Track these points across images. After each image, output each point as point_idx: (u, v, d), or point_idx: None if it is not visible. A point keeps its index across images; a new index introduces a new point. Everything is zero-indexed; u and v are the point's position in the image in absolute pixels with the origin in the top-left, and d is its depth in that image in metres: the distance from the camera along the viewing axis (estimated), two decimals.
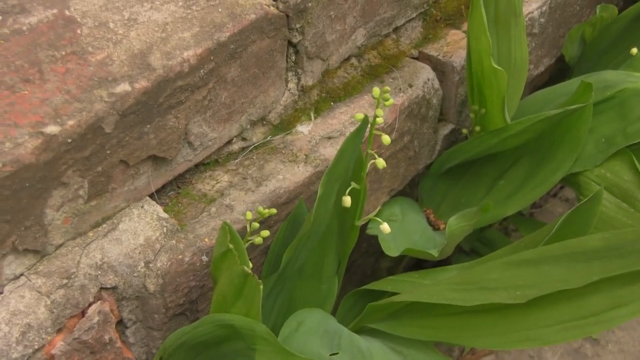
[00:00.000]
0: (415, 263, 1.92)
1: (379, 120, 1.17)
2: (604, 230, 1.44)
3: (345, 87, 1.48)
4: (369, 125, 1.19)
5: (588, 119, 1.48)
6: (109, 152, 1.12)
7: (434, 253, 1.36)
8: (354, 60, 1.52)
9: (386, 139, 1.18)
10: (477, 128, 1.57)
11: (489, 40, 1.41)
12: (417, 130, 1.54)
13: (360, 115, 1.16)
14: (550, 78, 2.23)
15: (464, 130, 1.64)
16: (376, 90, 1.15)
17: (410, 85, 1.51)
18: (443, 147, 1.65)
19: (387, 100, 1.15)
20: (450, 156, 1.59)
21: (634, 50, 1.72)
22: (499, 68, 1.42)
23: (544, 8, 1.77)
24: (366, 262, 1.85)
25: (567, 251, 1.14)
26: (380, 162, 1.18)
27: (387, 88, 1.14)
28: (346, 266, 1.80)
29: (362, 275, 1.87)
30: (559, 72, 2.17)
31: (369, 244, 1.79)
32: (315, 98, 1.45)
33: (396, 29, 1.59)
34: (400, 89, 1.50)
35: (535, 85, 2.18)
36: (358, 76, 1.51)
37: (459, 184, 1.62)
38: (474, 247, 1.80)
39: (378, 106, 1.16)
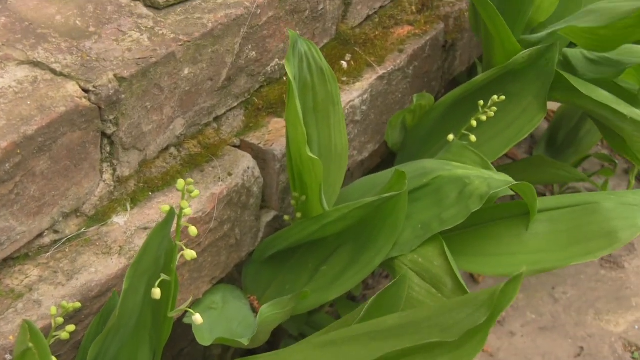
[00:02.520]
0: (247, 350, 1.91)
1: (187, 211, 1.18)
2: None
3: (164, 177, 1.49)
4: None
5: (404, 206, 1.53)
6: None
7: (244, 342, 1.36)
8: (173, 150, 1.53)
9: (193, 230, 1.19)
10: (299, 215, 1.60)
11: (304, 130, 1.44)
12: (237, 218, 1.55)
13: (167, 207, 1.17)
14: (382, 161, 2.29)
15: (286, 217, 1.67)
16: (180, 183, 1.15)
17: (230, 174, 1.53)
18: (266, 234, 1.67)
19: (191, 192, 1.16)
20: (272, 243, 1.61)
21: (451, 137, 1.79)
22: (314, 157, 1.46)
23: (365, 96, 1.83)
24: (196, 350, 1.83)
25: (366, 330, 1.19)
26: (189, 254, 1.18)
27: (191, 180, 1.15)
28: (174, 354, 1.78)
29: None
30: (391, 155, 2.23)
31: None
32: (133, 188, 1.45)
33: (217, 118, 1.62)
34: (219, 177, 1.52)
35: (367, 168, 2.24)
36: (177, 166, 1.52)
37: (283, 270, 1.63)
38: (303, 331, 1.81)
39: (183, 198, 1.17)
